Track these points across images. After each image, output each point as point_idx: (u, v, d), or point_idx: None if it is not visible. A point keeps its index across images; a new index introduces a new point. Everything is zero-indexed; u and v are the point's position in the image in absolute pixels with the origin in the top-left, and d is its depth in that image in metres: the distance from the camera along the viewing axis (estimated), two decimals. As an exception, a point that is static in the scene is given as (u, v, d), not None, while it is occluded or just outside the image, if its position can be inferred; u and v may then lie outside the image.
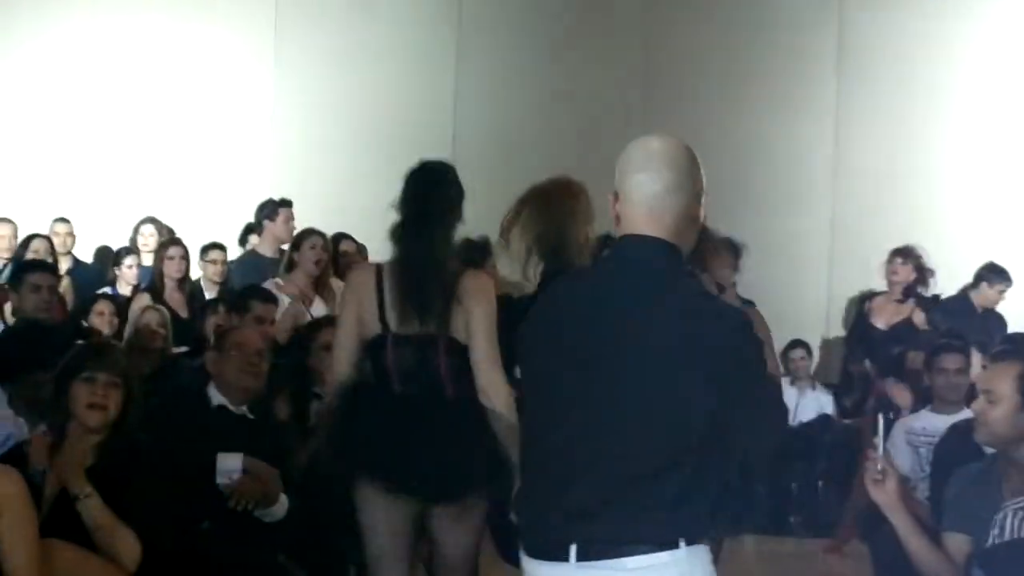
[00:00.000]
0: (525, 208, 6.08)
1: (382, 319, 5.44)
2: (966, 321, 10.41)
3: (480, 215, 11.83)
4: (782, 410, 3.98)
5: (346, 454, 5.49)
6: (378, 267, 5.55)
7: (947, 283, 10.85)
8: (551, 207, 6.00)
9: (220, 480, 6.00)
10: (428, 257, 5.42)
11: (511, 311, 5.35)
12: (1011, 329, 10.23)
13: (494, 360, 5.33)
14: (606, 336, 3.55)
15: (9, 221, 11.08)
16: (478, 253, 7.78)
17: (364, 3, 12.75)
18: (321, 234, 9.60)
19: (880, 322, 10.49)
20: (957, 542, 4.89)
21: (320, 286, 9.43)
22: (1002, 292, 10.92)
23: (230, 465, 5.99)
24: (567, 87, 12.47)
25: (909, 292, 10.45)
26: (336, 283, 9.47)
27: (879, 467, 4.68)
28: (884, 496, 4.71)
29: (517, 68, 12.60)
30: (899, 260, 10.48)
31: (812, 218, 12.11)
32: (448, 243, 5.53)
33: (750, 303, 7.54)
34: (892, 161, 11.99)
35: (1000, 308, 10.87)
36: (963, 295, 10.95)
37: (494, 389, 5.32)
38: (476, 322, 5.35)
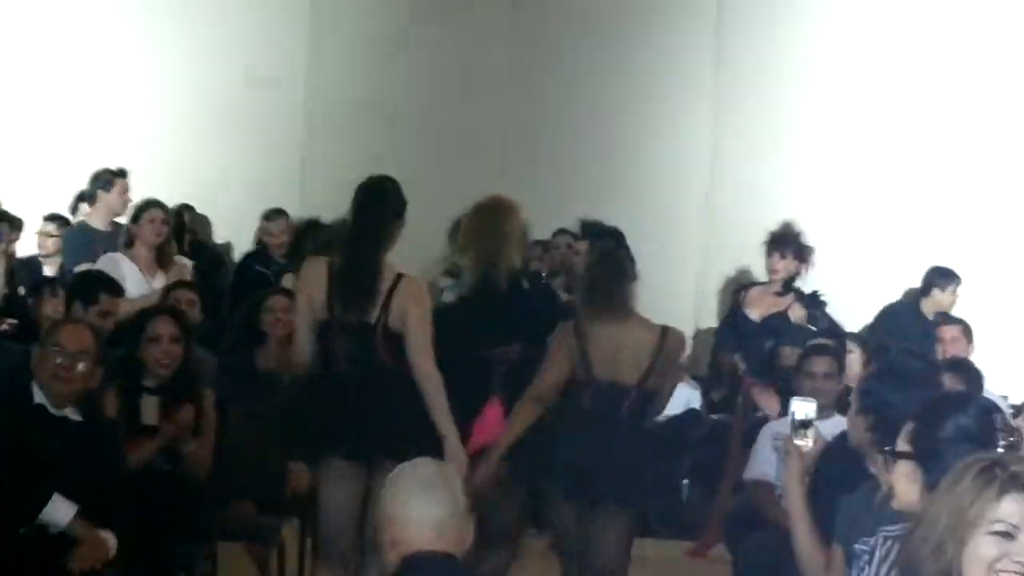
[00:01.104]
0: (471, 223, 7.22)
1: (329, 308, 6.52)
2: (914, 327, 10.15)
3: (340, 184, 11.47)
4: None
5: (307, 435, 6.71)
6: (329, 262, 6.58)
7: (825, 268, 10.39)
8: (493, 224, 7.12)
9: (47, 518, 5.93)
10: (372, 258, 6.53)
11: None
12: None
13: (427, 351, 6.45)
14: None
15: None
16: None
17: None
18: (162, 206, 9.51)
19: (754, 314, 10.07)
20: (839, 556, 4.75)
21: (162, 260, 9.29)
22: (955, 293, 10.58)
23: (57, 516, 5.92)
24: (427, 59, 12.05)
25: (788, 285, 10.04)
26: (180, 259, 9.52)
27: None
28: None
29: (376, 33, 12.13)
30: (777, 255, 10.05)
31: (685, 203, 11.72)
32: (387, 247, 6.60)
33: None
34: (772, 141, 11.65)
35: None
36: (912, 301, 10.65)
37: (426, 374, 6.45)
38: (412, 320, 6.46)
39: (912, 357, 5.64)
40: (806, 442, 5.01)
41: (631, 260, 7.34)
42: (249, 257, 10.84)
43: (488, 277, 7.08)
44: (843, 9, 11.70)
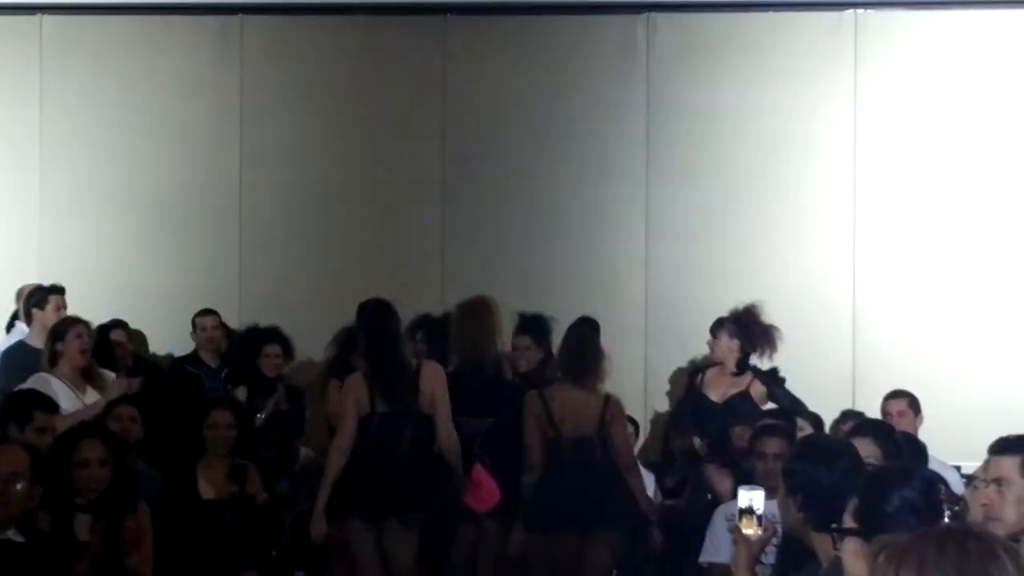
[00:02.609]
0: (460, 318, 9.05)
1: (371, 404, 8.16)
2: None
3: (278, 278, 11.26)
4: None
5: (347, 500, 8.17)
6: (365, 374, 8.27)
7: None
8: (477, 319, 8.97)
9: None
10: (396, 362, 8.27)
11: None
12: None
13: (449, 425, 8.25)
14: None
15: None
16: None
17: (139, 79, 12.05)
18: (85, 323, 9.48)
19: (715, 395, 10.04)
20: None
21: (88, 374, 9.24)
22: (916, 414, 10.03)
23: None
24: (360, 155, 11.98)
25: (743, 364, 10.01)
26: (104, 372, 9.43)
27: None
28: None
29: (306, 126, 12.05)
30: (724, 336, 10.02)
31: (625, 290, 11.67)
32: (404, 349, 8.48)
33: None
34: (707, 223, 11.64)
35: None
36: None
37: (450, 445, 8.29)
38: (438, 400, 8.25)
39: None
40: (753, 530, 4.98)
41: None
42: (180, 360, 10.71)
43: (473, 362, 8.85)
44: (767, 101, 11.71)
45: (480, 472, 8.53)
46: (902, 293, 11.52)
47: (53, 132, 11.99)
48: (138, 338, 11.26)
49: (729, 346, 10.13)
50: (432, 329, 9.56)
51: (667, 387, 11.31)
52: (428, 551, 8.48)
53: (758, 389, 9.90)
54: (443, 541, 8.69)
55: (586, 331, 9.01)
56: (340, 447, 8.22)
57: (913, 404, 9.87)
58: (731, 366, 10.03)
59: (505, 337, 9.50)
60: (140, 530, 7.00)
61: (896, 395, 9.96)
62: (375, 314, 8.36)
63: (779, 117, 11.61)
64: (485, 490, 8.55)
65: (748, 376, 9.98)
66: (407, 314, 9.21)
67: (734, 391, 10.00)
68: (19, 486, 6.04)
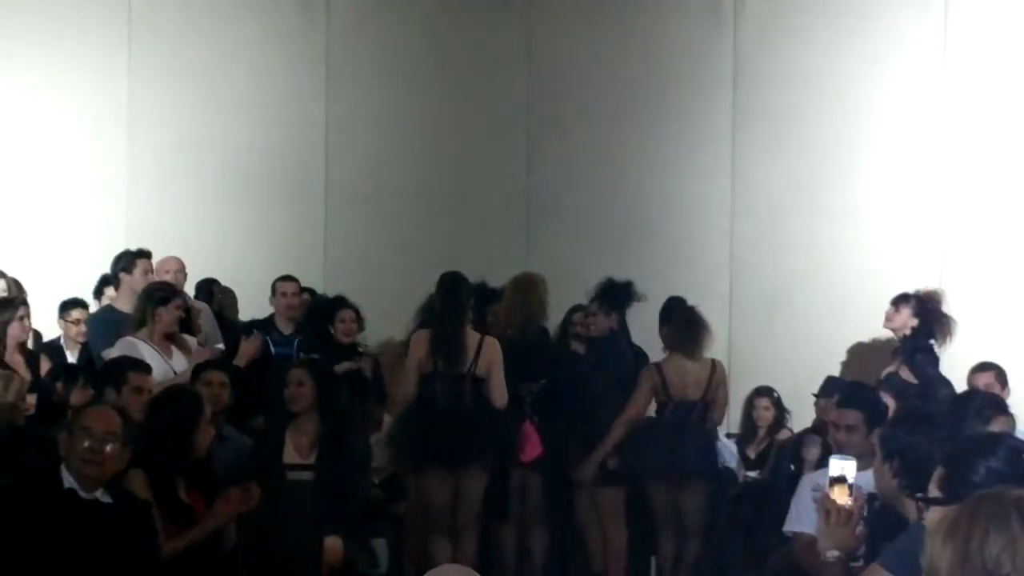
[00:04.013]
0: (510, 292, 9.99)
1: (433, 364, 9.25)
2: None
3: (356, 251, 11.46)
4: None
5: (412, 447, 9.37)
6: (431, 333, 9.36)
7: (858, 321, 10.43)
8: (526, 293, 9.94)
9: None
10: (460, 329, 9.36)
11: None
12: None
13: (502, 388, 9.31)
14: None
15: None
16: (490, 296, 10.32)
17: (225, 50, 12.12)
18: (181, 291, 9.73)
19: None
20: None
21: (173, 339, 9.37)
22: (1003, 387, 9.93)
23: None
24: (446, 114, 11.96)
25: (911, 343, 10.12)
26: (188, 338, 9.60)
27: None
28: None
29: (391, 97, 12.07)
30: (906, 311, 10.17)
31: (709, 260, 11.63)
32: (469, 317, 9.49)
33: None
34: (792, 197, 11.58)
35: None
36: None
37: (501, 405, 9.33)
38: (494, 371, 9.29)
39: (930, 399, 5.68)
40: (844, 499, 4.94)
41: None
42: (252, 325, 10.66)
43: (523, 332, 9.79)
44: (855, 69, 11.62)
45: (528, 428, 9.55)
46: (989, 265, 11.39)
47: (139, 100, 12.06)
48: (229, 296, 11.31)
49: (907, 322, 10.12)
50: (481, 297, 10.07)
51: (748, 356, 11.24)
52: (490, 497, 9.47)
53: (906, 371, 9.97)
54: (502, 488, 9.61)
55: (694, 310, 9.87)
56: (401, 398, 9.44)
57: (1000, 376, 9.79)
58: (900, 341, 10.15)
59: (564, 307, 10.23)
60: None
61: (983, 368, 9.88)
62: (448, 285, 9.42)
63: (867, 84, 11.52)
64: (531, 444, 9.57)
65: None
66: (491, 281, 10.07)
67: (889, 369, 10.03)
68: (111, 447, 6.10)
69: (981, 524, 3.18)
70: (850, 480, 4.97)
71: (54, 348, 10.48)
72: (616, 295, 10.00)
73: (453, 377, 9.25)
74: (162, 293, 9.46)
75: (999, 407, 7.67)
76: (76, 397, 8.37)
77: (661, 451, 9.59)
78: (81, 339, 10.34)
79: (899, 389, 9.57)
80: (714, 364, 9.81)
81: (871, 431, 7.71)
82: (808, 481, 7.68)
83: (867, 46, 11.54)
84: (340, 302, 10.47)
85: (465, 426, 9.26)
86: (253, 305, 11.28)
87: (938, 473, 4.27)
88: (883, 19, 11.54)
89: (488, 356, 9.29)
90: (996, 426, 6.96)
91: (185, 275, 10.76)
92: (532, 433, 9.59)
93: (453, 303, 9.38)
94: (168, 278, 10.37)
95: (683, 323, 9.79)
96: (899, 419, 5.29)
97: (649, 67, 11.81)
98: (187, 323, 9.75)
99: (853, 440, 7.47)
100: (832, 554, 4.90)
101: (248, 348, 9.86)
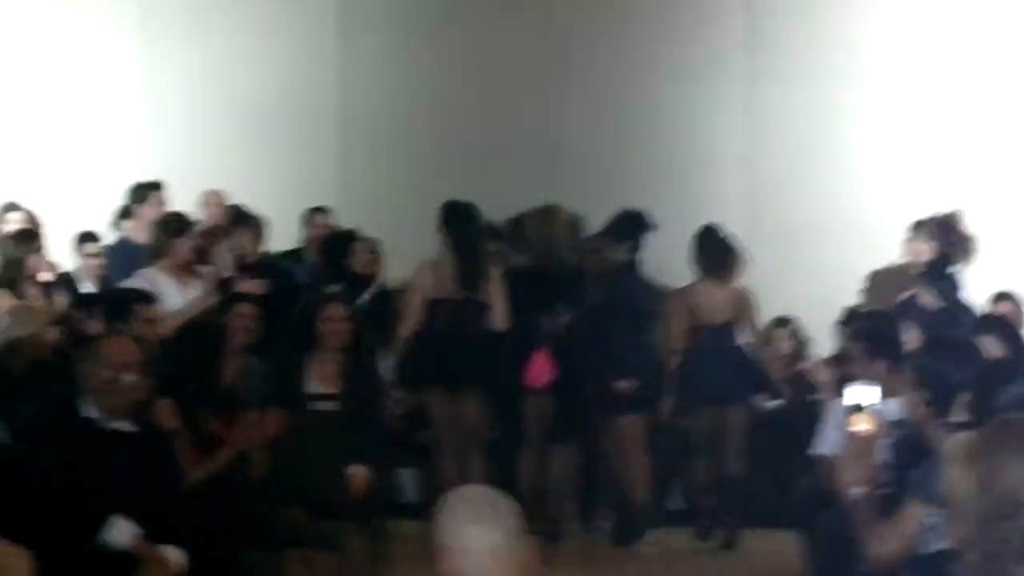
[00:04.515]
0: (530, 219, 10.14)
1: (438, 289, 9.43)
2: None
3: (371, 191, 11.53)
4: None
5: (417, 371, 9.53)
6: (435, 262, 9.56)
7: (876, 250, 10.52)
8: (545, 221, 10.11)
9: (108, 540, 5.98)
10: (471, 254, 9.55)
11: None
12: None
13: (504, 317, 9.47)
14: None
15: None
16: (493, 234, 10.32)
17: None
18: (193, 222, 9.72)
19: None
20: (914, 509, 4.76)
21: (189, 268, 9.41)
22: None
23: (119, 538, 5.96)
24: (459, 59, 11.95)
25: (934, 268, 10.11)
26: (205, 269, 9.64)
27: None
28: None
29: (406, 39, 12.03)
30: (921, 237, 10.16)
31: (728, 191, 11.60)
32: (483, 249, 9.71)
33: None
34: (806, 125, 11.57)
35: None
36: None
37: (504, 322, 9.51)
38: (495, 297, 9.48)
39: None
40: (862, 426, 4.93)
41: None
42: (282, 255, 10.74)
43: (541, 261, 9.96)
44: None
45: (542, 356, 9.67)
46: (1007, 188, 11.34)
47: (155, 38, 12.06)
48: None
49: (924, 249, 10.10)
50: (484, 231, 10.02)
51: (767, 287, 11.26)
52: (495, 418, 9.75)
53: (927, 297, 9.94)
54: (508, 411, 9.78)
55: (728, 238, 10.05)
56: (404, 327, 9.55)
57: (1016, 305, 9.79)
58: (920, 267, 10.12)
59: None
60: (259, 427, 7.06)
61: (1002, 297, 9.89)
62: (454, 212, 9.61)
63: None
64: (542, 370, 9.68)
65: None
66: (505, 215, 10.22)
67: (905, 294, 10.05)
68: (130, 377, 6.13)
69: (1003, 451, 3.16)
70: (867, 407, 4.96)
71: (70, 281, 10.49)
72: (630, 224, 10.03)
73: (460, 302, 9.42)
74: (177, 224, 9.48)
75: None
76: (93, 328, 8.38)
77: (708, 375, 9.77)
78: (98, 272, 10.34)
79: (920, 316, 9.56)
80: (743, 291, 10.00)
81: (886, 361, 7.76)
82: (836, 406, 7.70)
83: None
84: (355, 235, 10.47)
85: (468, 351, 9.39)
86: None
87: (962, 398, 4.27)
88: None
89: (491, 283, 9.46)
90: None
91: (224, 209, 10.75)
92: (544, 360, 9.68)
93: (462, 229, 9.53)
94: (211, 211, 10.47)
95: (719, 249, 9.94)
96: (929, 347, 5.27)
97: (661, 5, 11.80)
98: (204, 254, 9.77)
99: (870, 370, 7.51)
100: (855, 491, 4.88)
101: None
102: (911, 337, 8.74)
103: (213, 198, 10.73)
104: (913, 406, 5.11)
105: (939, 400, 4.92)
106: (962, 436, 4.16)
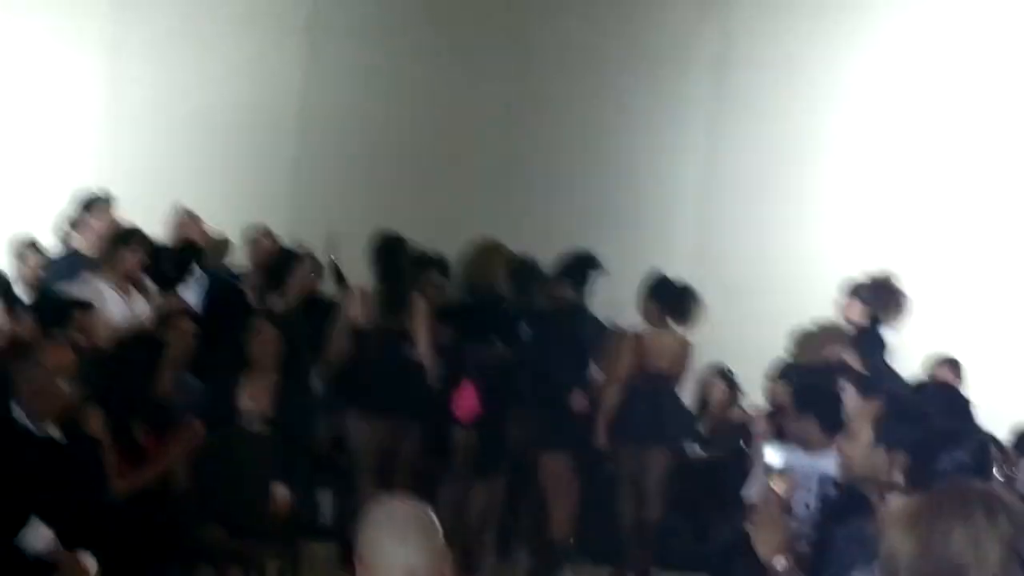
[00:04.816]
0: (469, 255, 10.09)
1: (368, 318, 9.57)
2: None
3: (324, 207, 11.42)
4: None
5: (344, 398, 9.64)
6: (364, 292, 9.76)
7: (821, 303, 10.43)
8: (483, 257, 10.05)
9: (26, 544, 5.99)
10: (397, 285, 9.68)
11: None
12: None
13: (428, 348, 9.59)
14: None
15: None
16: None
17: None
18: (144, 233, 9.67)
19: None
20: None
21: (136, 283, 9.42)
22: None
23: (35, 542, 5.99)
24: (423, 87, 12.03)
25: (865, 331, 9.93)
26: (149, 283, 9.62)
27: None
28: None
29: (371, 67, 12.10)
30: (857, 300, 10.08)
31: (677, 239, 11.73)
32: (410, 280, 9.79)
33: None
34: (766, 180, 11.68)
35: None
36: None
37: (427, 360, 9.60)
38: (419, 328, 9.55)
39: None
40: (777, 485, 5.00)
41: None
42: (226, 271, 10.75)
43: (473, 294, 9.98)
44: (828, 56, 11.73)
45: (467, 388, 9.68)
46: (944, 251, 11.48)
47: (125, 47, 12.10)
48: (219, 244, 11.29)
49: (858, 311, 10.14)
50: (419, 261, 10.22)
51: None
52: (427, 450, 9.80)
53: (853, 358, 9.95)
54: (431, 441, 9.80)
55: (689, 287, 10.09)
56: (334, 352, 9.68)
57: (955, 369, 9.82)
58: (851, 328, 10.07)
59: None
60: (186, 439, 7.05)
61: (945, 363, 9.90)
62: (384, 243, 9.75)
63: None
64: (467, 403, 9.66)
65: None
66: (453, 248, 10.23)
67: (835, 353, 10.02)
68: (63, 383, 6.15)
69: (944, 516, 3.16)
70: (781, 469, 5.02)
71: (7, 285, 10.41)
72: (579, 266, 10.05)
73: (381, 331, 9.53)
74: (125, 236, 9.47)
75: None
76: (26, 334, 8.35)
77: (642, 418, 9.78)
78: (36, 277, 10.28)
79: (849, 376, 9.57)
80: (684, 339, 10.02)
81: (817, 416, 7.80)
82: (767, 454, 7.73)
83: (838, 32, 11.63)
84: (299, 253, 10.46)
85: (387, 379, 9.45)
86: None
87: (903, 462, 4.26)
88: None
89: (416, 314, 9.57)
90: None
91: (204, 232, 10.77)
92: (470, 394, 9.72)
93: (388, 260, 9.70)
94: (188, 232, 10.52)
95: (677, 297, 10.00)
96: (897, 413, 5.18)
97: (631, 50, 11.88)
98: (151, 267, 9.72)
99: (801, 423, 7.54)
100: (778, 562, 4.87)
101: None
102: (847, 396, 8.78)
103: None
104: (849, 463, 5.10)
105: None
106: (902, 500, 4.20)
